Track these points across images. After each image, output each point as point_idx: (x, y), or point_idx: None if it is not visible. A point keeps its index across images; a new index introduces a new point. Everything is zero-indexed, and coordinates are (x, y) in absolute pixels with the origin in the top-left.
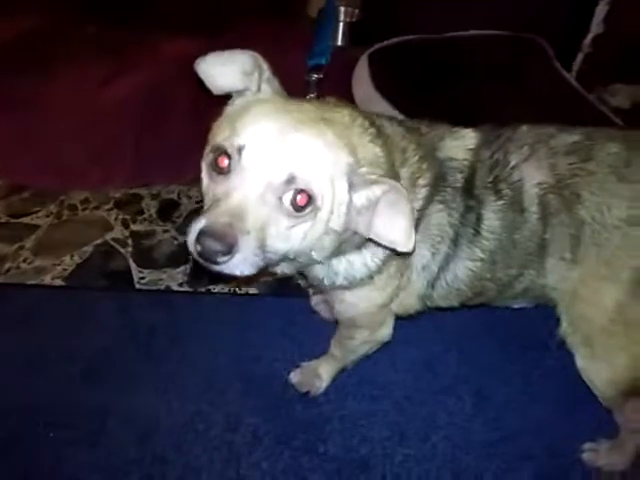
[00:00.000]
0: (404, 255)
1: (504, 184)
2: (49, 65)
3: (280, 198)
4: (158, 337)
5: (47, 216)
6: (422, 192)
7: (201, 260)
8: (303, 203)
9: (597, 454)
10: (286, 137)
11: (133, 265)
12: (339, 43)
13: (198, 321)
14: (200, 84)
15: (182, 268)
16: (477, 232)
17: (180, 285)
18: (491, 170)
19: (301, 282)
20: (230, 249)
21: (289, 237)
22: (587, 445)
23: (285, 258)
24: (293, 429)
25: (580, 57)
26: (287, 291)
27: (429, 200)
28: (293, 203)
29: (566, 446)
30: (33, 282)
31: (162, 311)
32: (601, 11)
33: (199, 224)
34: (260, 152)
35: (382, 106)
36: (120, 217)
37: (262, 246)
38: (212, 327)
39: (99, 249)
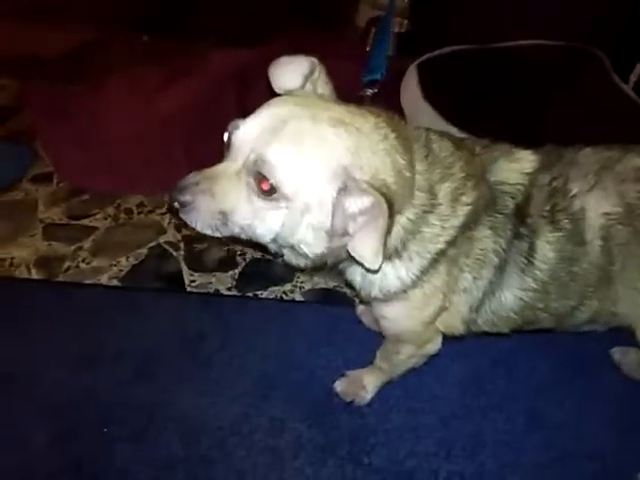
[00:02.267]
0: (444, 275)
1: (563, 214)
2: (105, 74)
3: (252, 176)
4: (206, 339)
5: (105, 218)
6: (464, 210)
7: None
8: (266, 188)
9: None
10: (277, 125)
11: (185, 268)
12: (388, 53)
13: (245, 325)
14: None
15: (231, 272)
16: (530, 262)
17: (229, 289)
18: (549, 198)
19: (348, 291)
20: (186, 203)
21: (263, 219)
22: None
23: (277, 244)
24: (337, 438)
25: (638, 68)
26: (333, 299)
27: (474, 222)
28: (258, 186)
29: (619, 470)
30: (90, 281)
31: (211, 314)
32: None
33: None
34: (245, 134)
35: (430, 116)
36: (173, 221)
37: (225, 214)
38: (258, 332)
39: (153, 252)
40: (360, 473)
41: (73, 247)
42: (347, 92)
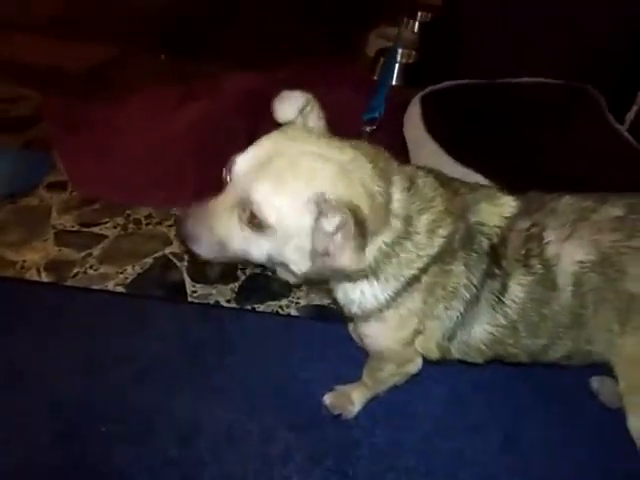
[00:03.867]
0: (417, 301)
1: (536, 259)
2: (123, 91)
3: (244, 211)
4: (205, 348)
5: (114, 227)
6: (439, 241)
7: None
8: (256, 222)
9: None
10: (263, 164)
11: (187, 279)
12: (394, 82)
13: (242, 336)
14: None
15: (231, 285)
16: (500, 300)
17: (228, 301)
18: (525, 243)
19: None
20: (189, 238)
21: (255, 245)
22: None
23: (270, 262)
24: (324, 449)
25: (634, 109)
26: (327, 316)
27: (451, 256)
28: (249, 219)
29: None
30: (97, 287)
31: (210, 324)
32: None
33: (184, 212)
34: (240, 172)
35: (432, 148)
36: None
37: (224, 244)
38: (255, 344)
39: (158, 261)
40: None
41: (83, 253)
42: (350, 120)
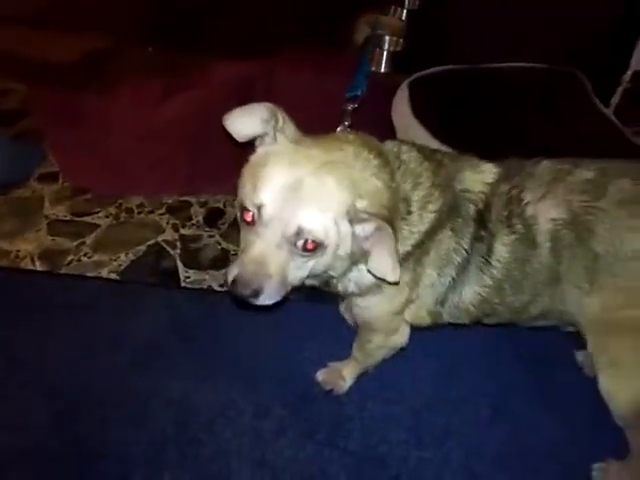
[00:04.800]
0: (411, 272)
1: (517, 219)
2: (112, 82)
3: (294, 244)
4: (199, 331)
5: (106, 217)
6: (430, 217)
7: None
8: (312, 247)
9: (607, 474)
10: (293, 194)
11: (180, 265)
12: (382, 70)
13: (236, 320)
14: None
15: (224, 270)
16: (487, 261)
17: (221, 286)
18: (507, 205)
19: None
20: (257, 293)
21: (305, 268)
22: (597, 465)
23: (306, 280)
24: (317, 424)
25: (619, 92)
26: (319, 298)
27: (439, 226)
28: (304, 248)
29: (577, 465)
30: (91, 274)
31: (204, 308)
32: None
33: (233, 272)
34: (274, 210)
35: (420, 133)
36: (171, 221)
37: (283, 282)
38: (248, 326)
39: (151, 249)
40: (336, 456)
41: (76, 242)
42: (335, 104)
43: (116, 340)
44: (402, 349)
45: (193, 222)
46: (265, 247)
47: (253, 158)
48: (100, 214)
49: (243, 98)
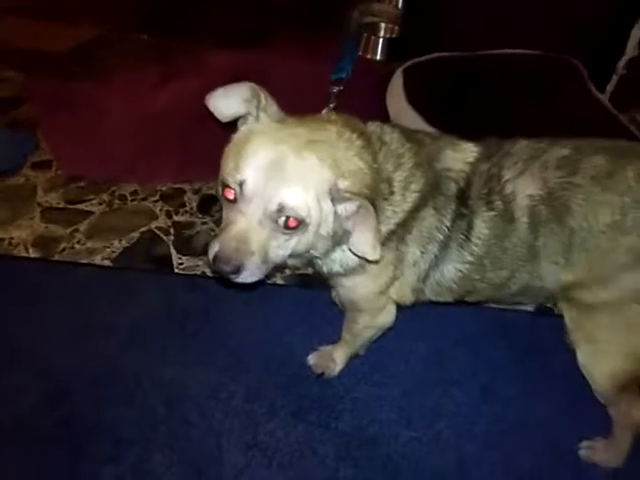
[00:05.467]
0: (395, 250)
1: (496, 196)
2: (106, 70)
3: (276, 221)
4: (192, 316)
5: (100, 204)
6: (412, 196)
7: (217, 275)
8: (294, 225)
9: (593, 451)
10: (276, 171)
11: (174, 252)
12: (378, 57)
13: (229, 305)
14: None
15: None
16: (467, 238)
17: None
18: (486, 183)
19: (309, 270)
20: (238, 269)
21: (286, 247)
22: (584, 443)
23: (288, 259)
24: (308, 405)
25: (615, 79)
26: (310, 283)
27: (422, 204)
28: (286, 225)
29: (565, 443)
30: (85, 261)
31: (197, 294)
32: (636, 34)
33: (214, 248)
34: (256, 186)
35: (414, 119)
36: (165, 208)
37: (265, 260)
38: (241, 311)
39: (144, 236)
40: (327, 436)
41: (69, 229)
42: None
43: (108, 324)
44: (389, 329)
45: (186, 209)
46: (247, 224)
47: (236, 137)
48: (93, 201)
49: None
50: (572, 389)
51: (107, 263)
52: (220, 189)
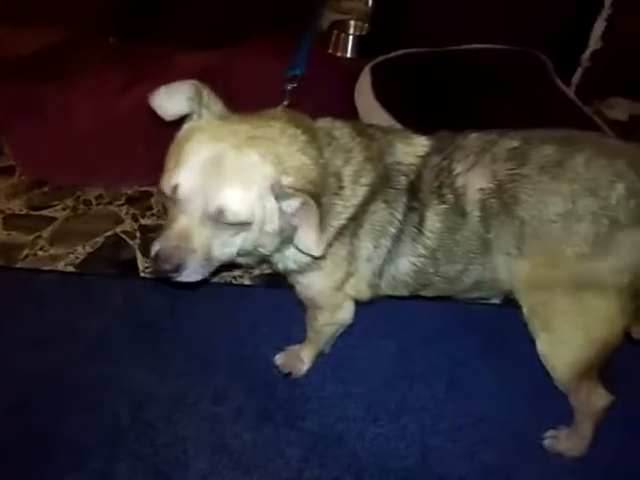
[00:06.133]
0: (348, 245)
1: (447, 189)
2: (71, 73)
3: (218, 219)
4: (157, 319)
5: (64, 209)
6: (362, 190)
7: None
8: (235, 224)
9: (557, 440)
10: (215, 168)
11: (139, 256)
12: (348, 55)
13: (195, 307)
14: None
15: None
16: (420, 231)
17: (212, 276)
18: (437, 176)
19: (267, 268)
20: (179, 268)
21: (232, 245)
22: (548, 432)
23: (235, 257)
24: (275, 406)
25: (579, 71)
26: (278, 283)
27: (373, 198)
28: (228, 223)
29: (529, 433)
30: (47, 268)
31: (162, 297)
32: (599, 27)
33: (155, 247)
34: (194, 184)
35: (382, 116)
36: (131, 212)
37: (208, 258)
38: (208, 313)
39: (109, 240)
40: (293, 436)
41: (32, 236)
42: (307, 93)
43: (72, 331)
44: (350, 325)
45: (153, 212)
46: (188, 222)
47: (179, 134)
48: (57, 207)
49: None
50: (537, 379)
51: (70, 269)
52: (164, 189)
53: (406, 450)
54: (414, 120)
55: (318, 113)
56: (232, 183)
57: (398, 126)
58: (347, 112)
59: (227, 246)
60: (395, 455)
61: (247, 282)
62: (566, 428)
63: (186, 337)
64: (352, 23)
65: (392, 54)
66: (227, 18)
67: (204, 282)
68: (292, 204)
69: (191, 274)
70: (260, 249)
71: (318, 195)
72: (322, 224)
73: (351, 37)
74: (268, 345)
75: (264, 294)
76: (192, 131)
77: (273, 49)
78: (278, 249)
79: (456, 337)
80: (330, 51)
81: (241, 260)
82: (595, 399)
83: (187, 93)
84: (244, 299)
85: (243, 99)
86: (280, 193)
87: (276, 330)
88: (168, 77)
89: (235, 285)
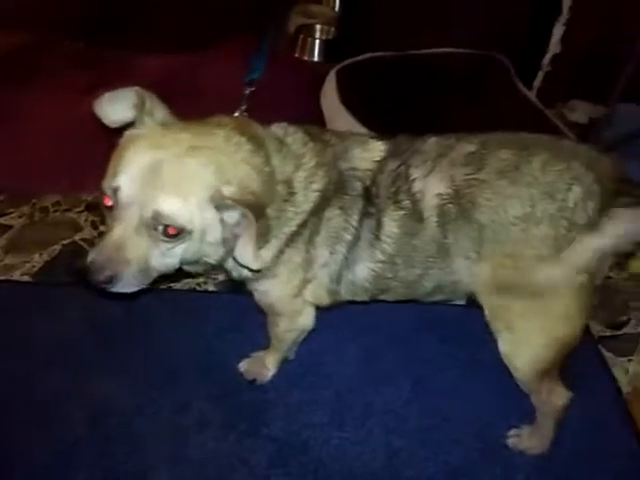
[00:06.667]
0: (304, 252)
1: (404, 195)
2: (31, 78)
3: (154, 229)
4: (117, 329)
5: (20, 217)
6: (313, 196)
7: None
8: (174, 232)
9: (520, 439)
10: (153, 177)
11: None
12: (315, 59)
13: (157, 315)
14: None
15: None
16: (377, 237)
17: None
18: (394, 182)
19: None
20: (111, 279)
21: (172, 255)
22: (511, 431)
23: (180, 267)
24: (239, 414)
25: (540, 75)
26: (242, 289)
27: (326, 204)
28: (165, 233)
29: (493, 432)
30: (2, 278)
31: (122, 306)
32: (558, 32)
33: (89, 257)
34: (131, 193)
35: (347, 120)
36: (90, 219)
37: (145, 268)
38: (170, 321)
39: (67, 248)
40: (258, 444)
41: None
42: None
43: (27, 342)
44: (312, 330)
45: None
46: (123, 232)
47: (121, 140)
48: (13, 215)
49: (167, 91)
50: (500, 379)
51: (26, 279)
52: (100, 197)
53: (372, 454)
54: (379, 123)
55: (284, 117)
56: (169, 193)
57: (363, 129)
58: (314, 116)
59: (167, 257)
60: (361, 459)
61: (211, 288)
62: (528, 427)
63: (147, 346)
64: (319, 27)
65: (357, 58)
66: (192, 22)
67: (144, 291)
68: (233, 215)
69: (126, 285)
70: (206, 259)
71: (260, 206)
72: (264, 236)
73: (318, 41)
74: (233, 352)
75: (228, 300)
76: (133, 138)
77: (237, 53)
78: (224, 258)
79: (421, 339)
80: (297, 55)
81: (190, 269)
82: (555, 397)
83: (131, 100)
84: (207, 305)
85: (207, 103)
86: (221, 204)
87: (241, 336)
88: (130, 81)
89: (199, 292)
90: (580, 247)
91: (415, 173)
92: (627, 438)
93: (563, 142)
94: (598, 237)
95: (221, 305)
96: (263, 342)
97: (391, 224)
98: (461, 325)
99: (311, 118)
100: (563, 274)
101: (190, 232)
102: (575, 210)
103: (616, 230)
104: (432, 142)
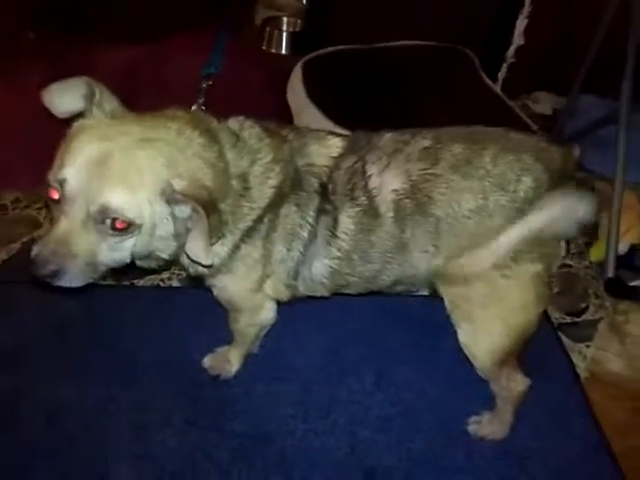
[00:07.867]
0: (261, 248)
1: (361, 192)
2: None
3: (102, 222)
4: (77, 327)
5: None
6: (269, 192)
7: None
8: (122, 226)
9: (480, 425)
10: (100, 169)
11: None
12: (283, 52)
13: (119, 313)
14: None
15: None
16: (333, 234)
17: (104, 279)
18: (350, 178)
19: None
20: (56, 273)
21: (121, 249)
22: (472, 418)
23: (131, 261)
24: (203, 410)
25: (505, 67)
26: (201, 285)
27: (282, 200)
28: (113, 227)
29: (454, 419)
30: None
31: (83, 303)
32: (521, 24)
33: (34, 251)
34: (77, 185)
35: (313, 113)
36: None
37: (92, 263)
38: (132, 318)
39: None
40: (221, 439)
41: None
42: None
43: None
44: (276, 324)
45: None
46: (69, 225)
47: (70, 131)
48: None
49: (128, 84)
50: (461, 368)
51: None
52: (47, 189)
53: (336, 444)
54: (345, 117)
55: (249, 111)
56: (117, 185)
57: (329, 123)
58: (281, 109)
59: (115, 251)
60: (324, 450)
61: (175, 284)
62: (488, 413)
63: (108, 345)
64: (285, 19)
65: (322, 51)
66: (154, 12)
67: (92, 285)
68: (184, 209)
69: (72, 280)
70: (158, 253)
71: (212, 201)
72: (217, 231)
73: (285, 33)
74: (196, 348)
75: (192, 295)
76: (81, 129)
77: (200, 45)
78: (177, 253)
79: (384, 330)
80: (264, 47)
81: (143, 264)
82: (514, 384)
83: (80, 90)
84: (171, 301)
85: (171, 95)
86: (171, 198)
87: (205, 332)
88: (91, 72)
89: (162, 288)
90: (532, 237)
91: (371, 169)
92: (584, 422)
93: (512, 134)
94: (535, 216)
95: (185, 301)
96: (227, 337)
97: (347, 221)
98: (424, 316)
99: (278, 112)
100: (517, 263)
101: (139, 226)
102: (526, 200)
103: (551, 212)
104: (388, 138)
